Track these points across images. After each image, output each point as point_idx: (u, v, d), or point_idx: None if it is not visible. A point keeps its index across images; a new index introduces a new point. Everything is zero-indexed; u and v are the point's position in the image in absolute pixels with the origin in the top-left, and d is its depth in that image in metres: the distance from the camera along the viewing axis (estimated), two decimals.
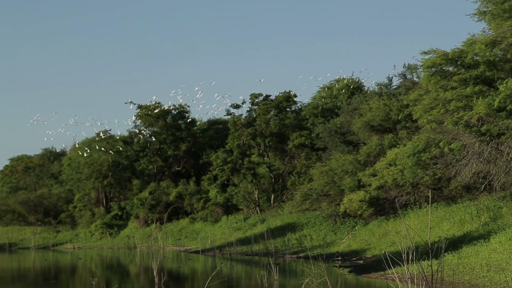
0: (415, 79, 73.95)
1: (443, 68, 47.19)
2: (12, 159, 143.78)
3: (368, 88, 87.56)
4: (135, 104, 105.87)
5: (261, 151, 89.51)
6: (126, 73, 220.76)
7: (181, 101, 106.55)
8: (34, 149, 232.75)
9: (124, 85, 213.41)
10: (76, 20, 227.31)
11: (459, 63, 44.45)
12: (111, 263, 72.08)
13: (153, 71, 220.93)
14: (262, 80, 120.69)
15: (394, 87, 78.82)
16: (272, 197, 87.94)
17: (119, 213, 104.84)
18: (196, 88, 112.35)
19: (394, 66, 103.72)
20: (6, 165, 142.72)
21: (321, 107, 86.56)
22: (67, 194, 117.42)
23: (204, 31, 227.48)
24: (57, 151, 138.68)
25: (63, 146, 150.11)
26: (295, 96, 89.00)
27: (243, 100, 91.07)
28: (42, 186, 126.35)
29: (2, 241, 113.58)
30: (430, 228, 23.09)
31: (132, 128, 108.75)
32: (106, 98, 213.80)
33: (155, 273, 40.40)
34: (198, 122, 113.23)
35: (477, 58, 44.33)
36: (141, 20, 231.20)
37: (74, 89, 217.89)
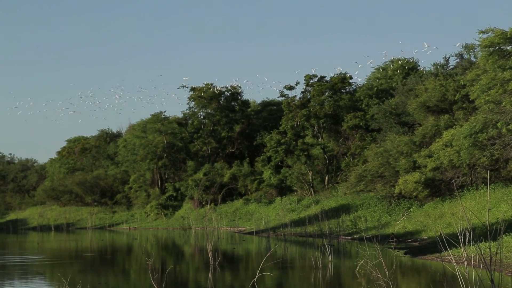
0: (472, 58, 72.75)
1: (502, 47, 46.34)
2: (69, 141, 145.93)
3: (423, 68, 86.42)
4: (187, 87, 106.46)
5: (315, 133, 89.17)
6: (181, 54, 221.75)
7: (236, 83, 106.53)
8: (90, 131, 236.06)
9: (179, 65, 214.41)
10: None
11: None
12: (166, 243, 72.75)
13: (204, 52, 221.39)
14: (314, 70, 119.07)
15: (451, 67, 77.65)
16: (326, 178, 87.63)
17: (174, 194, 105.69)
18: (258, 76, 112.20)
19: (463, 46, 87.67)
20: (64, 147, 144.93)
21: (376, 88, 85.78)
22: (122, 175, 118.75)
23: (261, 14, 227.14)
24: (113, 132, 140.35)
25: (119, 127, 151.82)
26: (351, 77, 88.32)
27: (297, 81, 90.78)
28: (99, 167, 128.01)
29: (60, 221, 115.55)
30: (489, 209, 22.57)
31: (186, 110, 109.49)
32: (161, 79, 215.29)
33: (209, 254, 40.63)
34: (252, 104, 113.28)
35: None
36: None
37: (135, 68, 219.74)
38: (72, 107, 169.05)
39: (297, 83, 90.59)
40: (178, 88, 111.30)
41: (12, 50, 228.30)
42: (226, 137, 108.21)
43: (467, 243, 19.58)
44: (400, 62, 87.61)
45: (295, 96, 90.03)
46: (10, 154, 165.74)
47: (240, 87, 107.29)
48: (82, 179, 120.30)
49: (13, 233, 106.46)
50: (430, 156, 58.99)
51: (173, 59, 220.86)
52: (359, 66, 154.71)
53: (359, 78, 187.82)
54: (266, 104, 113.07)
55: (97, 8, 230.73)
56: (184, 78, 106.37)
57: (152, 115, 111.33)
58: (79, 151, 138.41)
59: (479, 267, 24.17)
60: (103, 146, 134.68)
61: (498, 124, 46.31)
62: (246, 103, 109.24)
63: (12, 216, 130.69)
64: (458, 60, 76.05)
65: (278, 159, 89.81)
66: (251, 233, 76.83)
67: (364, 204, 69.41)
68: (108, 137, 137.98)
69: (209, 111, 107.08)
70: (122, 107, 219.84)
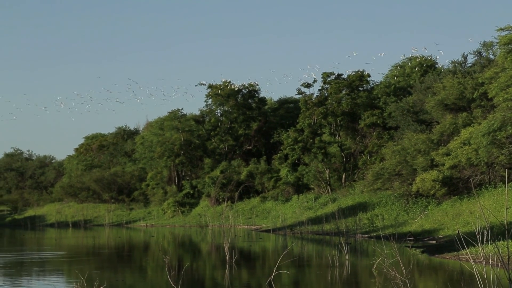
0: (490, 56, 72.30)
1: None
2: (87, 138, 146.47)
3: (441, 66, 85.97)
4: (205, 84, 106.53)
5: (332, 130, 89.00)
6: (195, 52, 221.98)
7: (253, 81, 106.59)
8: (108, 128, 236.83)
9: (194, 64, 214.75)
10: None
11: None
12: (183, 241, 72.87)
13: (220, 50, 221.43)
14: (337, 63, 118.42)
15: (469, 65, 77.22)
16: (343, 176, 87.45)
17: (191, 192, 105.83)
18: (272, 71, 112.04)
19: (481, 44, 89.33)
20: (81, 144, 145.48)
21: (393, 85, 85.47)
22: (140, 172, 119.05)
23: (273, 12, 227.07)
24: (131, 129, 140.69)
25: (136, 124, 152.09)
26: (369, 75, 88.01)
27: (315, 79, 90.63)
28: (116, 164, 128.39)
29: (78, 218, 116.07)
30: (507, 208, 22.42)
31: (203, 107, 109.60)
32: (178, 76, 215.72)
33: (226, 251, 40.62)
34: (269, 101, 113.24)
35: None
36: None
37: (149, 65, 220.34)
38: (89, 104, 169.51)
39: (315, 81, 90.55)
40: (195, 85, 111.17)
41: (31, 46, 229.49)
42: (243, 135, 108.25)
43: (485, 242, 19.46)
44: (418, 60, 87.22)
45: (312, 94, 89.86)
46: (29, 150, 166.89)
47: (258, 85, 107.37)
48: (100, 176, 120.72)
49: (31, 230, 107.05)
50: (448, 154, 58.71)
51: (187, 56, 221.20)
52: (371, 62, 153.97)
53: (376, 77, 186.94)
54: (283, 102, 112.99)
55: (119, 4, 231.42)
56: (202, 82, 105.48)
57: (169, 112, 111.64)
58: (97, 148, 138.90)
59: (497, 266, 24.03)
60: (120, 143, 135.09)
61: None
62: (263, 101, 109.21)
63: (30, 212, 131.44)
64: (476, 57, 75.60)
65: (295, 157, 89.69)
66: (267, 231, 76.81)
67: (381, 202, 69.21)
68: (126, 134, 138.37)
69: (226, 109, 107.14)
70: (139, 104, 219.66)
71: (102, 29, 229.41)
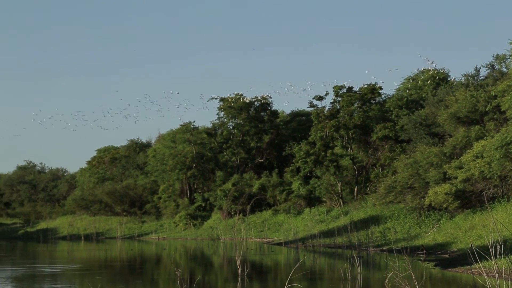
0: (503, 69, 72.12)
1: None
2: (99, 150, 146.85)
3: (454, 79, 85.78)
4: (216, 98, 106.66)
5: (344, 143, 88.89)
6: (204, 65, 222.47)
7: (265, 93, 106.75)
8: (120, 140, 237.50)
9: (204, 77, 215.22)
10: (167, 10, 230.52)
11: None
12: (195, 254, 72.80)
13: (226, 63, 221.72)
14: (347, 83, 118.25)
15: (482, 78, 77.05)
16: (355, 189, 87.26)
17: (203, 204, 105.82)
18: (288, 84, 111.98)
19: (494, 56, 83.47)
20: (94, 156, 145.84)
21: (405, 98, 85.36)
22: (152, 185, 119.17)
23: (275, 26, 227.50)
24: (143, 142, 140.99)
25: (149, 137, 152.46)
26: (381, 88, 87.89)
27: (326, 92, 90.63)
28: (128, 177, 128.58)
29: (90, 231, 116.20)
30: None
31: (215, 120, 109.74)
32: (188, 90, 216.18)
33: (238, 264, 40.56)
34: (281, 114, 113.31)
35: None
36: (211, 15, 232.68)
37: (159, 81, 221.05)
38: (102, 118, 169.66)
39: (327, 94, 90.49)
40: (208, 100, 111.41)
41: (41, 59, 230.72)
42: (255, 148, 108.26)
43: (498, 256, 19.36)
44: (430, 73, 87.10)
45: (324, 107, 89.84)
46: (41, 163, 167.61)
47: (270, 97, 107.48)
48: (112, 188, 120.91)
49: (43, 242, 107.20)
50: (460, 168, 58.51)
51: (198, 68, 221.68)
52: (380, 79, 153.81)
53: (387, 89, 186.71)
54: (295, 115, 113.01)
55: (129, 17, 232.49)
56: (214, 96, 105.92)
57: (181, 125, 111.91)
58: (109, 161, 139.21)
59: (510, 280, 23.88)
60: (132, 156, 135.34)
61: None
62: (275, 113, 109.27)
63: (42, 225, 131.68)
64: (489, 70, 75.44)
65: (307, 169, 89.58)
66: (279, 244, 76.66)
67: (394, 216, 68.99)
68: (138, 147, 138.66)
69: (238, 121, 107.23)
70: (151, 117, 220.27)
71: (115, 40, 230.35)
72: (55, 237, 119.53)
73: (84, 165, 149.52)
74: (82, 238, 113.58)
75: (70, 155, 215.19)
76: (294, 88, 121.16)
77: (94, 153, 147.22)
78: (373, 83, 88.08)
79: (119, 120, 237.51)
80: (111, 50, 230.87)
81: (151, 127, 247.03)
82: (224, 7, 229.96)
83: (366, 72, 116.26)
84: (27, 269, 53.24)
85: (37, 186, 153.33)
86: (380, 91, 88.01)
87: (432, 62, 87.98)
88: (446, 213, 61.20)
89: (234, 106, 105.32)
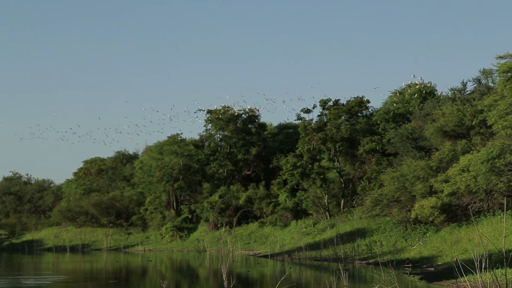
0: (490, 84, 72.51)
1: None
2: (85, 162, 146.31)
3: (441, 92, 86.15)
4: (203, 110, 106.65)
5: (331, 156, 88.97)
6: (192, 76, 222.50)
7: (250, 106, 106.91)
8: (107, 152, 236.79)
9: (191, 88, 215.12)
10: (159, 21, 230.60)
11: None
12: (181, 265, 72.61)
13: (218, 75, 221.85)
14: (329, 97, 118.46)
15: (468, 92, 77.42)
16: (342, 202, 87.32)
17: (189, 216, 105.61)
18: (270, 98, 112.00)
19: (480, 71, 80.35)
20: (80, 168, 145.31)
21: (392, 112, 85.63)
22: (138, 197, 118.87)
23: (266, 38, 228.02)
24: (130, 153, 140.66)
25: (136, 149, 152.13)
26: (368, 101, 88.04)
27: (314, 104, 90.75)
28: (115, 189, 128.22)
29: (75, 242, 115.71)
30: (505, 236, 22.46)
31: (203, 132, 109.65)
32: (176, 101, 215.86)
33: (224, 276, 40.48)
34: (268, 126, 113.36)
35: None
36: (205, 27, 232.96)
37: (145, 93, 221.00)
38: (91, 132, 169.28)
39: (314, 107, 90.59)
40: (195, 112, 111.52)
41: (28, 69, 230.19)
42: (242, 160, 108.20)
43: (483, 270, 19.41)
44: (417, 87, 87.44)
45: (311, 120, 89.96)
46: (27, 174, 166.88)
47: (258, 110, 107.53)
48: (98, 200, 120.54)
49: (29, 254, 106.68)
50: (446, 181, 58.67)
51: (184, 81, 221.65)
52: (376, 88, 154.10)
53: (375, 103, 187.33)
54: (282, 127, 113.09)
55: (109, 28, 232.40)
56: (201, 108, 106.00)
57: (168, 137, 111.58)
58: (96, 172, 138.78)
59: None
60: (119, 167, 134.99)
61: None
62: (263, 126, 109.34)
63: (28, 236, 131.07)
64: (475, 85, 75.84)
65: (294, 182, 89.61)
66: (266, 256, 76.57)
67: (380, 229, 69.08)
68: (125, 159, 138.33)
69: (226, 134, 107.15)
70: (138, 131, 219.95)
71: (99, 54, 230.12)
72: (40, 249, 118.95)
73: (70, 176, 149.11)
74: (68, 249, 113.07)
75: (57, 167, 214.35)
76: (284, 100, 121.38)
77: (81, 165, 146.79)
78: (361, 96, 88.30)
79: (111, 134, 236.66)
80: (96, 63, 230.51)
81: (138, 139, 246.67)
82: (213, 20, 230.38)
83: (375, 88, 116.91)
84: (11, 280, 52.90)
85: (23, 197, 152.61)
86: (367, 105, 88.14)
87: (421, 78, 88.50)
88: (432, 227, 61.32)
89: (222, 118, 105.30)
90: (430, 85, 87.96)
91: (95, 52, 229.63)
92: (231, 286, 40.27)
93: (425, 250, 57.00)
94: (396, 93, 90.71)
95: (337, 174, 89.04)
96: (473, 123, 61.99)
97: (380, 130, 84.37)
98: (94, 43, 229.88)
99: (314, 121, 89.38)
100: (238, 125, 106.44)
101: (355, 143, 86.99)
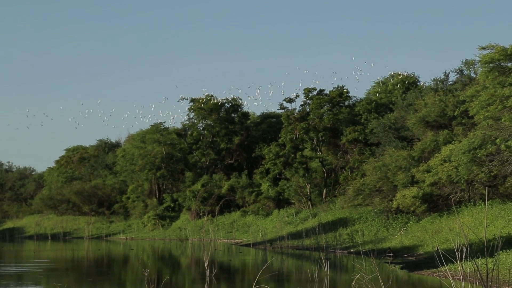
0: (472, 74, 72.83)
1: (502, 64, 46.41)
2: (67, 150, 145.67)
3: (423, 83, 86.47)
4: (187, 99, 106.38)
5: (314, 146, 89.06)
6: (176, 66, 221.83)
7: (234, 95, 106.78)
8: (89, 140, 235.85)
9: (175, 78, 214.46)
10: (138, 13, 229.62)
11: None
12: (162, 254, 72.60)
13: (200, 64, 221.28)
14: (317, 81, 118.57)
15: (451, 82, 77.74)
16: (324, 191, 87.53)
17: (172, 205, 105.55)
18: (257, 88, 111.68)
19: (463, 62, 79.60)
20: (62, 156, 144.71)
21: (375, 102, 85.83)
22: (120, 185, 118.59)
23: (258, 27, 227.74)
24: (112, 142, 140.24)
25: (118, 137, 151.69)
26: (348, 92, 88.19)
27: (297, 94, 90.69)
28: (97, 177, 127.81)
29: (57, 230, 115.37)
30: (486, 226, 22.62)
31: (185, 121, 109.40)
32: (160, 91, 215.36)
33: (206, 265, 40.53)
34: (251, 116, 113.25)
35: None
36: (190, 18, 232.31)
37: (128, 80, 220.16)
38: (75, 117, 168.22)
39: (297, 96, 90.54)
40: (178, 101, 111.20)
41: (13, 59, 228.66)
42: (225, 149, 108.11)
43: (464, 259, 19.55)
44: (400, 77, 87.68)
45: (294, 109, 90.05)
46: (8, 162, 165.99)
47: (241, 99, 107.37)
48: (80, 188, 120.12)
49: (10, 242, 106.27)
50: (428, 171, 58.96)
51: (169, 71, 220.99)
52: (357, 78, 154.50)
53: (359, 93, 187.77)
54: (265, 117, 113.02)
55: (100, 20, 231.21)
56: (184, 97, 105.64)
57: (151, 125, 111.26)
58: (78, 161, 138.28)
59: (476, 283, 24.12)
60: (101, 155, 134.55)
61: (497, 140, 46.33)
62: (246, 115, 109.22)
63: (9, 224, 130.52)
64: (458, 75, 76.17)
65: (277, 171, 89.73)
66: (248, 245, 76.69)
67: (362, 218, 69.32)
68: (107, 147, 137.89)
69: (209, 123, 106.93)
70: (120, 120, 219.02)
71: (89, 44, 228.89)
72: (21, 237, 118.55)
73: (52, 164, 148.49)
74: (49, 237, 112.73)
75: (38, 154, 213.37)
76: (270, 87, 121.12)
77: (63, 153, 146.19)
78: (341, 86, 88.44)
79: (92, 120, 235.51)
80: (84, 52, 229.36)
81: (120, 127, 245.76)
82: (199, 10, 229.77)
83: (335, 73, 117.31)
84: None
85: (4, 185, 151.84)
86: (347, 95, 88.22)
87: (406, 72, 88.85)
88: (413, 216, 61.63)
89: (205, 107, 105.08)
90: (413, 76, 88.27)
91: (84, 42, 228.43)
92: (213, 275, 40.32)
93: (406, 239, 57.29)
94: (379, 83, 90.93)
95: (320, 163, 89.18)
96: (455, 114, 62.26)
97: (362, 120, 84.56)
98: (80, 33, 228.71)
99: (297, 111, 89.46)
100: (221, 114, 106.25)
101: (337, 132, 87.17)
